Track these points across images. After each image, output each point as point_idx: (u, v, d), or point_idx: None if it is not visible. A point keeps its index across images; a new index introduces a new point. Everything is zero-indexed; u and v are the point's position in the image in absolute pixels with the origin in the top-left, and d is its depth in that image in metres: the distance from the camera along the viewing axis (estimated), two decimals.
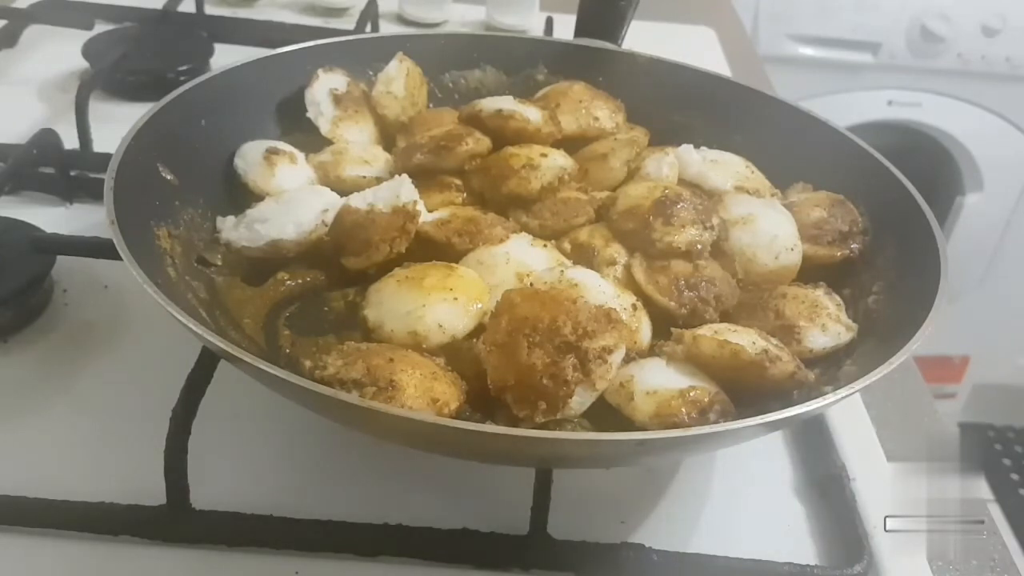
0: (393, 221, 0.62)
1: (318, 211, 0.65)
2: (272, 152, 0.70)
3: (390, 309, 0.57)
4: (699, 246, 0.63)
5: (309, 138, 0.76)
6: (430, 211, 0.66)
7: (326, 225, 0.64)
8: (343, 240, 0.63)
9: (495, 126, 0.72)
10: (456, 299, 0.57)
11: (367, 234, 0.62)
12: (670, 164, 0.71)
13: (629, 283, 0.62)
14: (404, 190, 0.63)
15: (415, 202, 0.62)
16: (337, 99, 0.77)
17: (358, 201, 0.64)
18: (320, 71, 0.78)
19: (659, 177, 0.71)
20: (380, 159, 0.74)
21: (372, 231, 0.62)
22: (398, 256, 0.61)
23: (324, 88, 0.78)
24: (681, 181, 0.72)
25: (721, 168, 0.73)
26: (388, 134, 0.79)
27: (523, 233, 0.65)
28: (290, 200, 0.66)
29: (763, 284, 0.65)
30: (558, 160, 0.69)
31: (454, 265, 0.61)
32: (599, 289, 0.58)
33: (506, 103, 0.73)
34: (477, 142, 0.70)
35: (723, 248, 0.65)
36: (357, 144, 0.77)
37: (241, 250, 0.64)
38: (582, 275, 0.59)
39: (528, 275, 0.59)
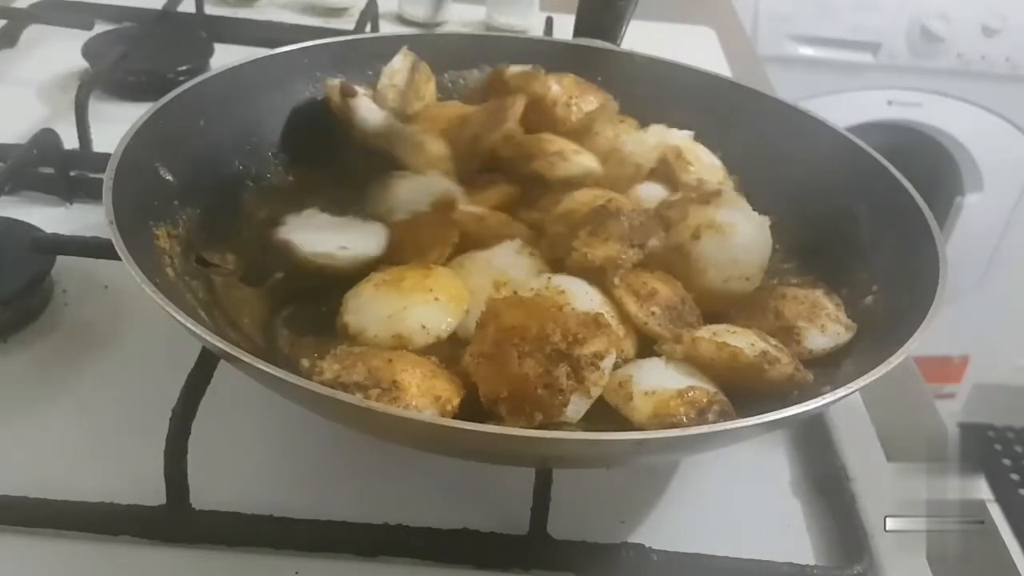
0: (436, 218, 0.62)
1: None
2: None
3: (371, 313, 0.57)
4: (618, 264, 0.60)
5: (307, 136, 0.76)
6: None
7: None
8: (403, 254, 0.63)
9: (517, 85, 0.72)
10: (437, 299, 0.57)
11: (418, 239, 0.62)
12: (649, 140, 0.72)
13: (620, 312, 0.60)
14: (436, 183, 0.64)
15: (449, 190, 0.63)
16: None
17: (401, 214, 0.65)
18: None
19: (638, 151, 0.71)
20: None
21: (421, 235, 0.62)
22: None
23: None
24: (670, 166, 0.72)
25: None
26: None
27: (516, 240, 0.64)
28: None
29: (701, 299, 0.62)
30: (587, 161, 0.70)
31: (431, 266, 0.61)
32: (587, 296, 0.58)
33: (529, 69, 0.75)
34: (518, 100, 0.71)
35: (685, 248, 0.62)
36: None
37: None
38: (568, 282, 0.59)
39: (505, 283, 0.59)
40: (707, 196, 0.65)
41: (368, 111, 0.71)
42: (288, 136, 0.76)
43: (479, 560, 0.54)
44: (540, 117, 0.73)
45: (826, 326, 0.60)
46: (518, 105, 0.70)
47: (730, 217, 0.63)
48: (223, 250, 0.65)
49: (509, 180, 0.70)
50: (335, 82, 0.73)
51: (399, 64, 0.79)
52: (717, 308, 0.62)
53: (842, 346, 0.60)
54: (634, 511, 0.59)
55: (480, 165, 0.71)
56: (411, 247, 0.63)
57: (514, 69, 0.75)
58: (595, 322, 0.52)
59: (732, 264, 0.62)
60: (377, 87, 0.79)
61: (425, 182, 0.65)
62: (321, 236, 0.63)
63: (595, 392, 0.51)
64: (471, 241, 0.64)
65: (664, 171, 0.74)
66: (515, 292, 0.57)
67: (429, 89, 0.82)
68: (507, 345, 0.51)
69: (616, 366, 0.54)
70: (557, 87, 0.74)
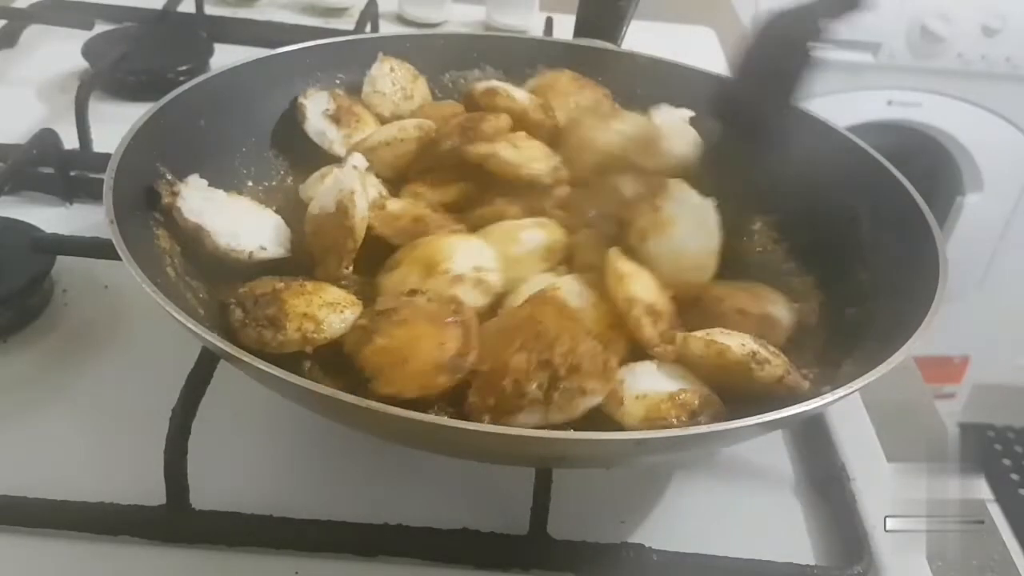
0: (337, 220, 0.60)
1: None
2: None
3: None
4: None
5: (307, 137, 0.76)
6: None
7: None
8: (312, 252, 0.62)
9: (486, 103, 0.73)
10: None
11: (322, 242, 0.61)
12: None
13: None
14: (345, 180, 0.60)
15: (352, 193, 0.60)
16: (335, 119, 0.76)
17: (314, 207, 0.63)
18: (302, 100, 0.76)
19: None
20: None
21: (326, 237, 0.61)
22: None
23: (317, 116, 0.76)
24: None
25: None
26: None
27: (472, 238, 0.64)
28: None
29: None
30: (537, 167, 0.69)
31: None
32: (580, 297, 0.58)
33: (497, 83, 0.75)
34: (498, 119, 0.70)
35: (637, 250, 0.62)
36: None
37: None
38: (567, 282, 0.59)
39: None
40: (654, 189, 0.63)
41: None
42: (288, 136, 0.76)
43: (479, 560, 0.54)
44: (519, 126, 0.73)
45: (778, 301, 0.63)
46: (494, 124, 0.69)
47: (672, 211, 0.62)
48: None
49: (466, 177, 0.69)
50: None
51: (377, 70, 0.80)
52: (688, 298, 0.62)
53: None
54: (634, 511, 0.59)
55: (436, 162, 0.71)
56: (314, 248, 0.62)
57: (481, 86, 0.75)
58: (605, 364, 0.51)
59: (681, 257, 0.61)
60: (362, 97, 0.79)
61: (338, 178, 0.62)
62: (235, 228, 0.62)
63: (556, 419, 0.50)
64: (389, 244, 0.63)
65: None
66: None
67: (419, 87, 0.82)
68: (520, 332, 0.51)
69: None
70: (523, 95, 0.74)
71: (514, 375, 0.49)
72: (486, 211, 0.67)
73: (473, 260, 0.60)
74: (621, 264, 0.59)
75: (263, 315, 0.54)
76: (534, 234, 0.64)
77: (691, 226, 0.62)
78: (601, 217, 0.66)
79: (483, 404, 0.49)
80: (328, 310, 0.55)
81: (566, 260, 0.64)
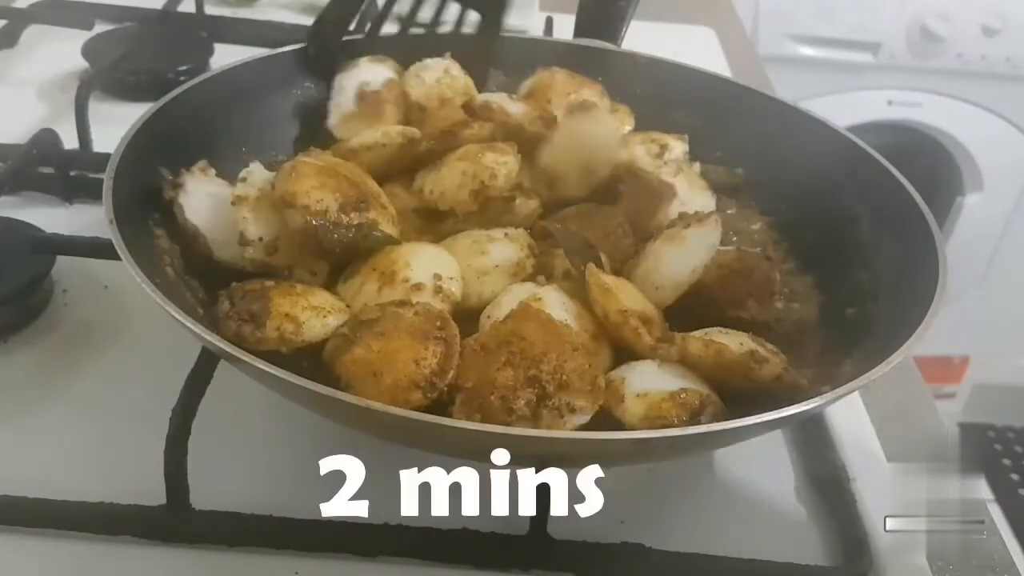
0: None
1: None
2: None
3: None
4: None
5: (307, 137, 0.76)
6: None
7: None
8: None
9: (483, 117, 0.72)
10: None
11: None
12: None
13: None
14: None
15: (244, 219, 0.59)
16: (363, 95, 0.75)
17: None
18: (366, 59, 0.77)
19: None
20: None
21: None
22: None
23: (355, 79, 0.75)
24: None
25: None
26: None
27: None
28: None
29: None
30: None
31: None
32: (562, 307, 0.57)
33: (495, 97, 0.74)
34: (481, 127, 0.70)
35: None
36: None
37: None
38: (548, 292, 0.58)
39: (496, 266, 0.61)
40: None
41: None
42: (288, 136, 0.76)
43: (479, 560, 0.54)
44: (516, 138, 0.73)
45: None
46: (474, 133, 0.69)
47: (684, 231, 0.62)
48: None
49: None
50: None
51: (433, 62, 0.79)
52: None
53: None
54: (634, 511, 0.59)
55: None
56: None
57: (481, 99, 0.74)
58: (594, 381, 0.51)
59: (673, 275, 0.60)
60: (405, 74, 0.78)
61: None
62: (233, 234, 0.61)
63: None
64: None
65: None
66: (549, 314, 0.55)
67: (455, 87, 0.78)
68: (505, 348, 0.51)
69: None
70: (517, 109, 0.73)
71: (501, 391, 0.49)
72: (455, 221, 0.66)
73: (432, 268, 0.59)
74: (603, 277, 0.58)
75: (247, 310, 0.53)
76: (502, 247, 0.63)
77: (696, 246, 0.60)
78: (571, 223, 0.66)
79: (468, 420, 0.49)
80: (311, 314, 0.54)
81: (537, 271, 0.63)
